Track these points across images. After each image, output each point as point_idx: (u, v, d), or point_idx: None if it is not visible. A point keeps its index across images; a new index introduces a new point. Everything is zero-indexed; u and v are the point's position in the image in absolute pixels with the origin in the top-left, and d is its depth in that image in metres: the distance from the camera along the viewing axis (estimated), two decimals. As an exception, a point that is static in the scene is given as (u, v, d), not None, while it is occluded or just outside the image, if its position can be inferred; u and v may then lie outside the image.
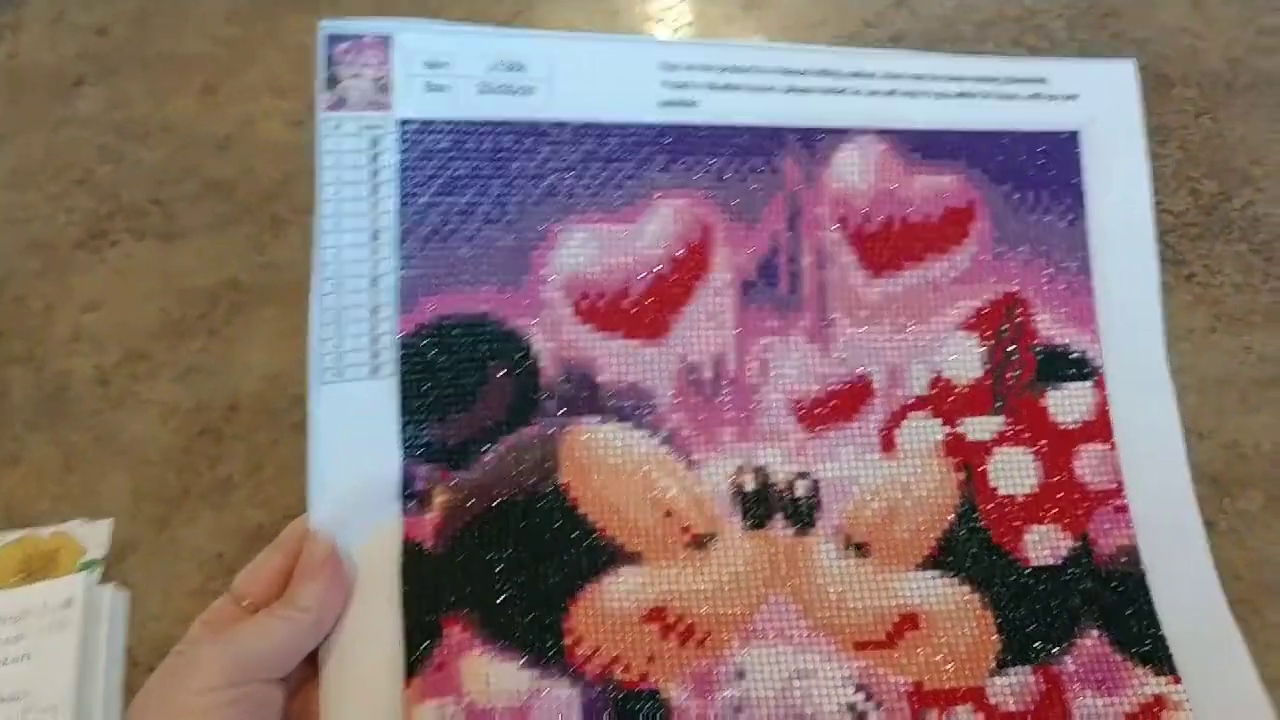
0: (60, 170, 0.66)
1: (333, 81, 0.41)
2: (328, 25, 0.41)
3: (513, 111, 0.44)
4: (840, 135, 0.47)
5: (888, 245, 0.47)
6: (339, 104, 0.41)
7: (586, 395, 0.43)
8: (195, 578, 0.49)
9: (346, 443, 0.40)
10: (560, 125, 0.44)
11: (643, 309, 0.44)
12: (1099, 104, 0.50)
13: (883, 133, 0.47)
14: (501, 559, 0.40)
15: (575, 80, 0.45)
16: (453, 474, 0.41)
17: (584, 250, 0.44)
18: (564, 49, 0.45)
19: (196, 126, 0.68)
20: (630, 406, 0.43)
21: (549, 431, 0.42)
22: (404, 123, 0.42)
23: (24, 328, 0.58)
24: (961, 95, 0.49)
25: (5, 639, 0.46)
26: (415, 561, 0.39)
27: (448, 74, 0.43)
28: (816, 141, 0.47)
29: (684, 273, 0.45)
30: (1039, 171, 0.49)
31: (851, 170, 0.47)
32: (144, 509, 0.51)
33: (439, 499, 0.40)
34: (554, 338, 0.43)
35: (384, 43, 0.42)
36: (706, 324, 0.44)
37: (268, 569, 0.37)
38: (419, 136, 0.42)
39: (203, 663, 0.33)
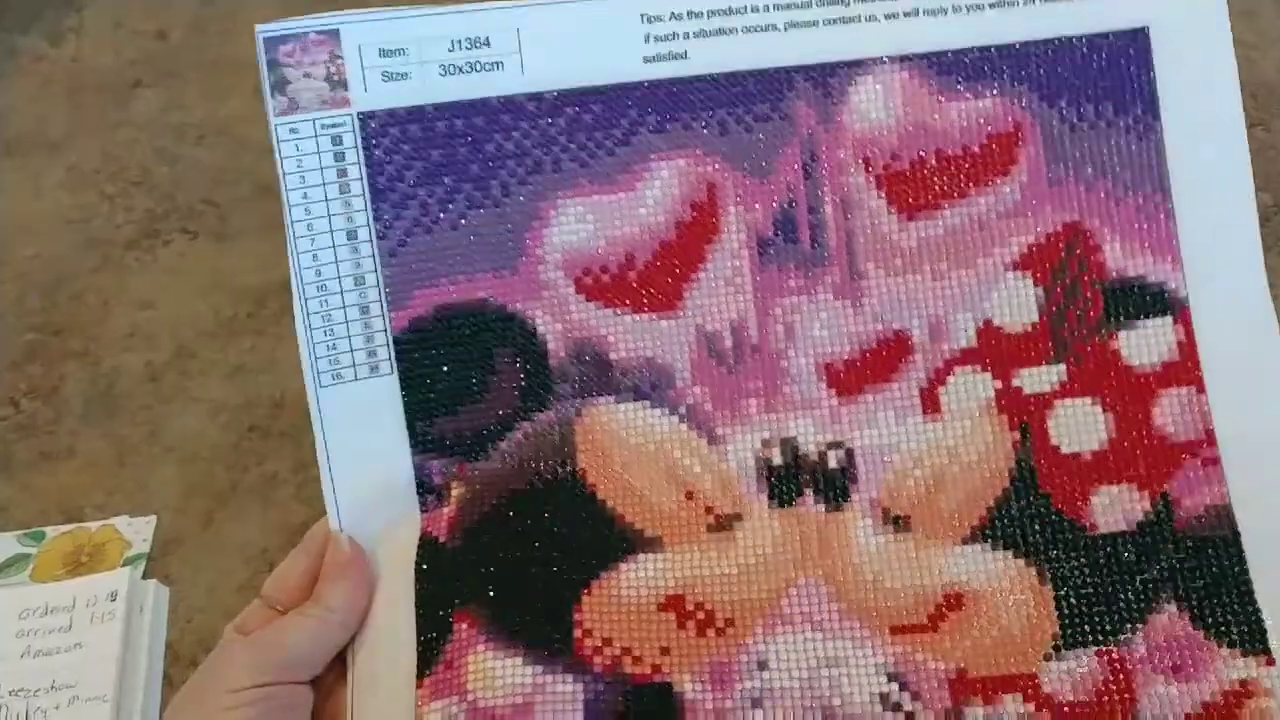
0: (117, 172, 0.67)
1: (280, 85, 0.39)
2: (264, 29, 0.39)
3: (482, 90, 0.40)
4: (856, 68, 0.42)
5: (921, 184, 0.42)
6: (292, 108, 0.39)
7: (599, 375, 0.41)
8: (241, 573, 0.49)
9: (356, 444, 0.39)
10: (536, 97, 0.41)
11: (651, 280, 0.41)
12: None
13: (906, 59, 0.42)
14: (515, 552, 0.39)
15: (546, 47, 0.41)
16: (468, 465, 0.39)
17: (581, 225, 0.41)
18: (530, 16, 0.41)
19: (250, 129, 0.69)
20: (647, 384, 0.41)
21: (564, 416, 0.40)
22: (364, 116, 0.40)
23: (80, 323, 0.59)
24: (996, 5, 0.42)
25: (57, 628, 0.47)
26: (431, 556, 0.38)
27: (405, 60, 0.40)
28: (829, 79, 0.42)
29: (692, 237, 0.41)
30: (1100, 79, 0.42)
31: (873, 105, 0.42)
32: (192, 504, 0.52)
33: (455, 492, 0.39)
34: (560, 319, 0.41)
35: (331, 37, 0.40)
36: (723, 289, 0.41)
37: (295, 572, 0.37)
38: (383, 129, 0.40)
39: (234, 663, 0.34)
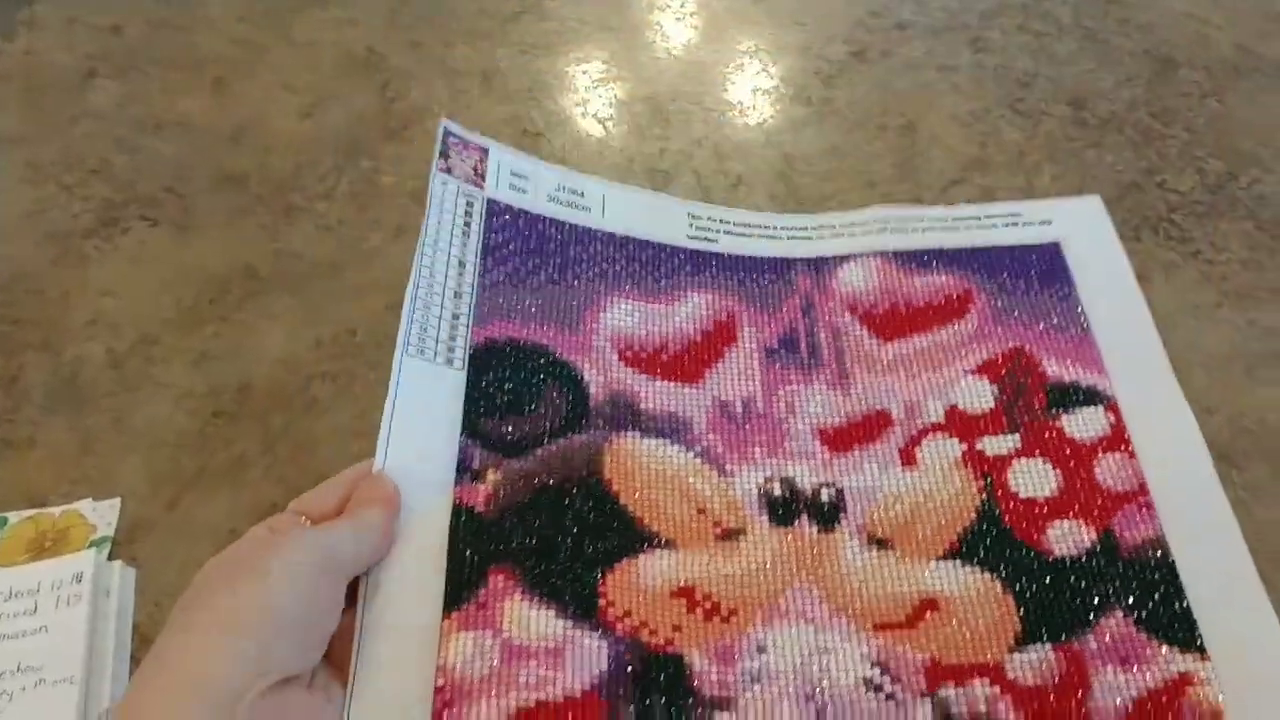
0: (75, 162, 0.67)
1: (445, 153, 0.51)
2: (446, 124, 0.52)
3: (572, 218, 0.53)
4: (842, 259, 0.54)
5: (896, 321, 0.52)
6: (447, 170, 0.51)
7: (630, 417, 0.48)
8: (210, 553, 0.49)
9: (418, 411, 0.44)
10: (609, 235, 0.53)
11: (679, 362, 0.50)
12: (1073, 223, 0.55)
13: (880, 254, 0.54)
14: (545, 529, 0.43)
15: (621, 209, 0.54)
16: (505, 461, 0.45)
17: (628, 318, 0.51)
18: (612, 190, 0.56)
19: (210, 120, 0.69)
20: (669, 428, 0.48)
21: (597, 439, 0.46)
22: (492, 200, 0.52)
23: (41, 316, 0.59)
24: (946, 229, 0.55)
25: (22, 611, 0.46)
26: (465, 521, 0.43)
27: (526, 183, 0.53)
28: (822, 265, 0.54)
29: (714, 341, 0.51)
30: (1028, 268, 0.54)
31: (856, 278, 0.54)
32: (158, 489, 0.51)
33: (490, 477, 0.44)
34: (602, 373, 0.49)
35: (483, 152, 0.53)
36: (737, 376, 0.50)
37: (328, 495, 0.40)
38: (502, 213, 0.52)
39: (302, 541, 0.36)
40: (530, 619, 0.41)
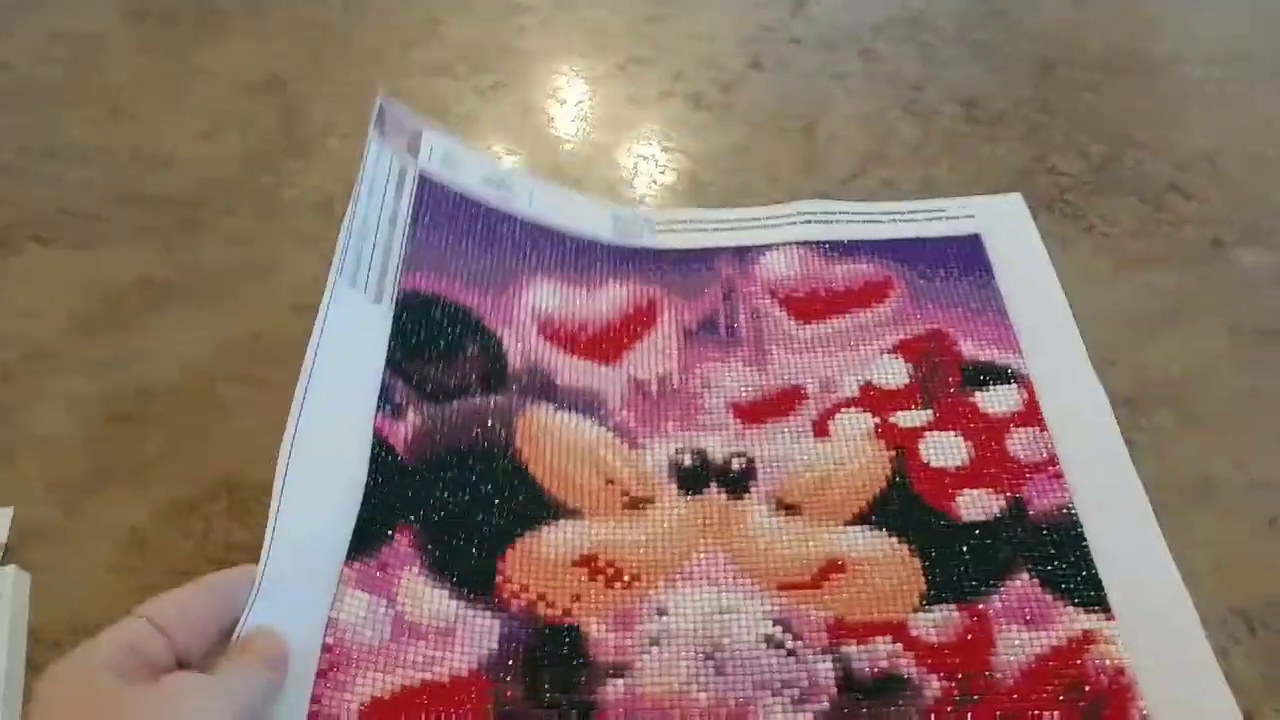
0: (-39, 189, 0.65)
1: (380, 122, 0.51)
2: (383, 100, 0.52)
3: (501, 204, 0.54)
4: (766, 248, 0.55)
5: (815, 304, 0.53)
6: (382, 135, 0.51)
7: (546, 389, 0.48)
8: (110, 554, 0.47)
9: (346, 338, 0.44)
10: (534, 222, 0.55)
11: (598, 343, 0.50)
12: (994, 218, 0.57)
13: (803, 243, 0.56)
14: (457, 492, 0.43)
15: (546, 205, 0.56)
16: (425, 403, 0.45)
17: (550, 298, 0.52)
18: (540, 189, 0.57)
19: (105, 143, 0.68)
20: (584, 403, 0.48)
21: (510, 406, 0.46)
22: (424, 173, 0.53)
23: (-76, 331, 0.56)
24: (870, 222, 0.57)
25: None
26: (385, 460, 0.43)
27: (457, 166, 0.54)
28: (745, 254, 0.55)
29: (633, 325, 0.52)
30: (949, 257, 0.55)
31: (778, 265, 0.54)
32: (53, 494, 0.49)
33: (411, 416, 0.44)
34: (522, 344, 0.49)
35: (416, 134, 0.54)
36: (655, 355, 0.50)
37: (195, 610, 0.35)
38: (434, 186, 0.52)
39: (215, 693, 0.33)
40: (425, 597, 0.40)
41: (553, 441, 0.46)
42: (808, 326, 0.52)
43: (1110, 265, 0.58)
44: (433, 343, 0.47)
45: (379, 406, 0.44)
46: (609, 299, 0.52)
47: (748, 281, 0.54)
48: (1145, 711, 0.38)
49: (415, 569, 0.41)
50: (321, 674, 0.37)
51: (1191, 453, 0.48)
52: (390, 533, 0.41)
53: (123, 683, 0.31)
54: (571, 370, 0.49)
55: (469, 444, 0.45)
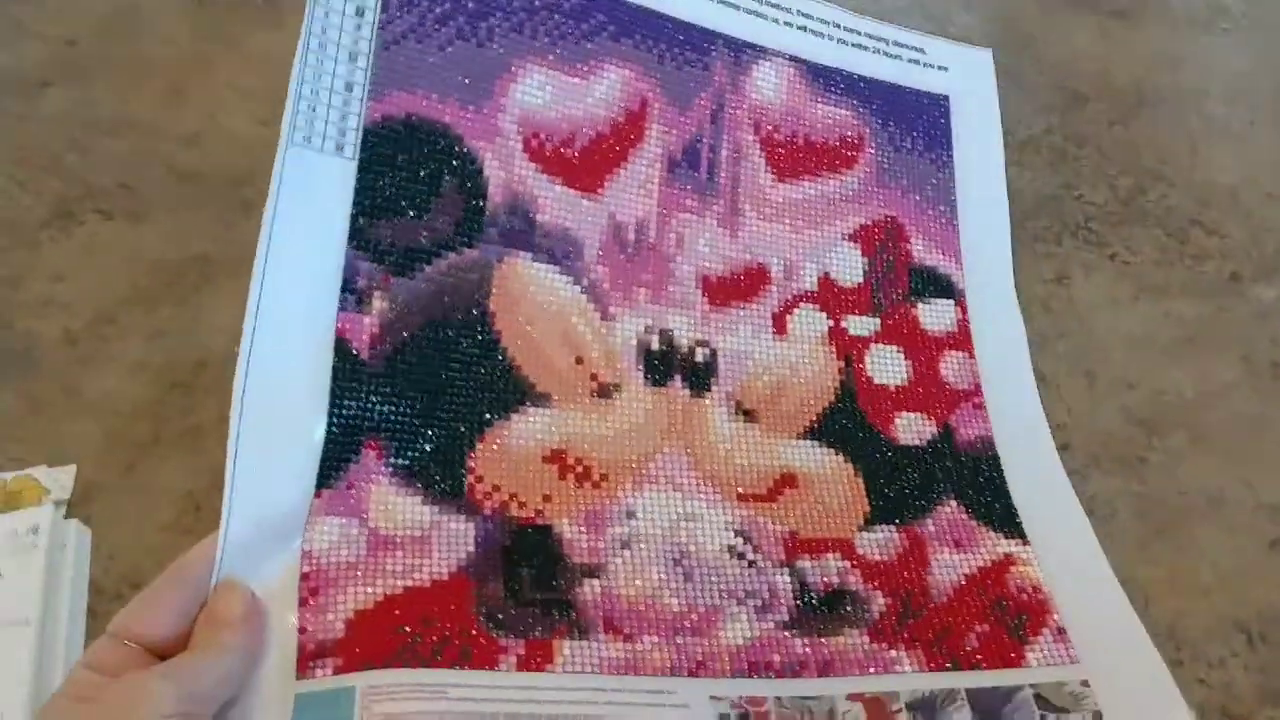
0: (26, 159, 0.67)
1: None
2: None
3: None
4: (760, 52, 0.54)
5: (792, 156, 0.53)
6: None
7: (525, 231, 0.45)
8: (167, 513, 0.49)
9: (300, 217, 0.40)
10: None
11: (583, 161, 0.48)
12: (964, 79, 0.60)
13: (794, 59, 0.55)
14: (425, 389, 0.42)
15: None
16: (393, 279, 0.42)
17: (540, 92, 0.47)
18: None
19: (164, 123, 0.70)
20: (561, 250, 0.46)
21: (487, 259, 0.44)
22: None
23: (-9, 293, 0.58)
24: (857, 45, 0.57)
25: (-23, 563, 0.45)
26: (349, 367, 0.40)
27: None
28: (741, 53, 0.53)
29: (621, 138, 0.49)
30: (919, 120, 0.57)
31: (768, 84, 0.53)
32: (113, 454, 0.51)
33: (377, 304, 0.41)
34: (505, 168, 0.45)
35: None
36: (636, 190, 0.48)
37: (159, 608, 0.34)
38: None
39: (152, 695, 0.31)
40: (397, 507, 0.40)
41: (526, 301, 0.44)
42: (781, 185, 0.52)
43: (1131, 292, 0.60)
44: (404, 187, 0.43)
45: (341, 300, 0.41)
46: (602, 95, 0.48)
47: (737, 99, 0.52)
48: (1060, 623, 0.44)
49: (384, 480, 0.40)
50: (303, 601, 0.37)
51: (1202, 473, 0.51)
52: (356, 450, 0.40)
53: (77, 703, 0.31)
54: (553, 203, 0.46)
55: (440, 316, 0.42)
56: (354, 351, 0.41)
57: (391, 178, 0.43)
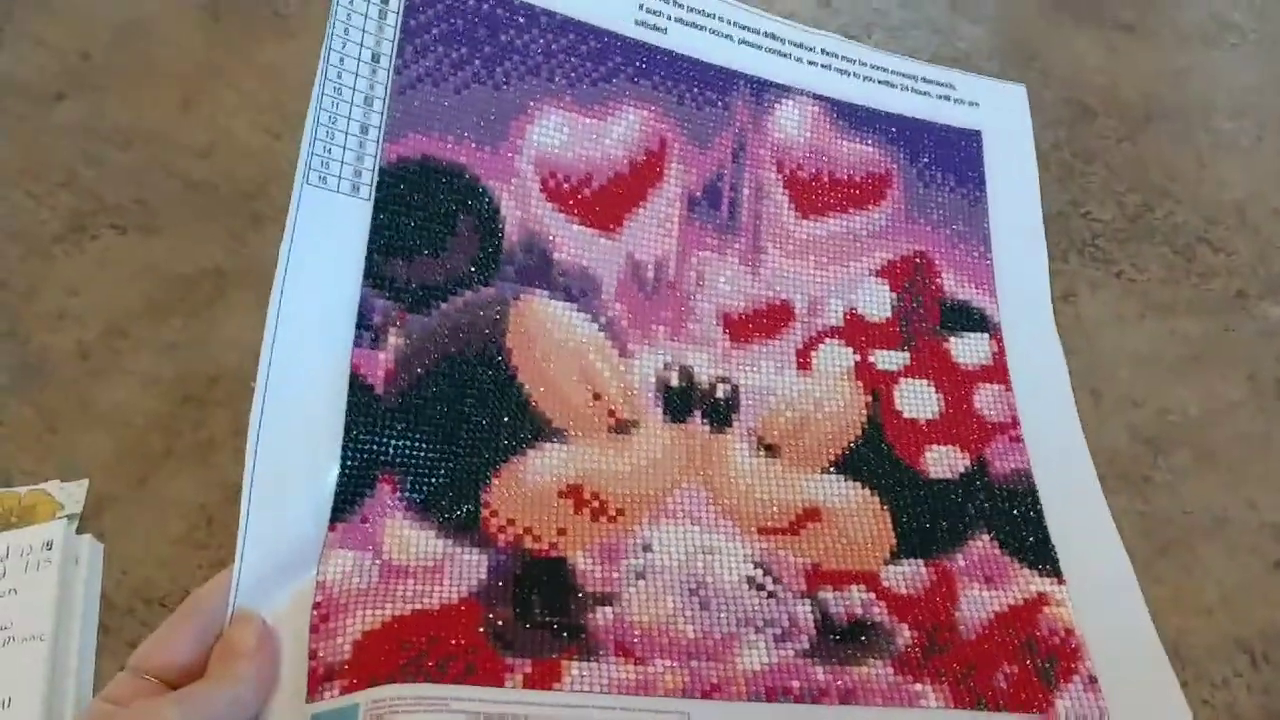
0: (41, 173, 0.68)
1: None
2: None
3: None
4: (783, 90, 0.53)
5: (817, 193, 0.52)
6: None
7: (542, 269, 0.45)
8: (178, 526, 0.49)
9: (317, 254, 0.41)
10: (550, 14, 0.48)
11: (601, 201, 0.47)
12: (996, 114, 0.59)
13: (818, 97, 0.54)
14: (441, 423, 0.42)
15: None
16: (409, 316, 0.42)
17: (557, 133, 0.47)
18: None
19: (177, 135, 0.71)
20: (579, 288, 0.46)
21: (504, 296, 0.44)
22: None
23: (5, 306, 0.59)
24: (884, 83, 0.56)
25: (-9, 576, 0.46)
26: (364, 402, 0.40)
27: None
28: (763, 92, 0.53)
29: (640, 177, 0.49)
30: (948, 158, 0.56)
31: (790, 122, 0.53)
32: (125, 467, 0.52)
33: (392, 340, 0.42)
34: (522, 207, 0.46)
35: None
36: (655, 229, 0.48)
37: (176, 641, 0.34)
38: None
39: (164, 719, 0.31)
40: (410, 540, 0.40)
41: (544, 338, 0.45)
42: (805, 222, 0.52)
43: (1137, 310, 0.60)
44: (419, 227, 0.43)
45: (356, 336, 0.41)
46: (620, 135, 0.49)
47: (759, 138, 0.52)
48: (1091, 671, 0.42)
49: (398, 514, 0.40)
50: (314, 628, 0.37)
51: (1206, 492, 0.51)
52: (371, 485, 0.40)
53: None
54: (570, 241, 0.46)
55: (456, 352, 0.43)
56: (369, 387, 0.41)
57: (407, 217, 0.43)
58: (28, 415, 0.54)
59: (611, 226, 0.47)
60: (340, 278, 0.41)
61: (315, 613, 0.37)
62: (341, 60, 0.43)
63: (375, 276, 0.42)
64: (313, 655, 0.36)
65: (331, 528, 0.38)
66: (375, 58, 0.44)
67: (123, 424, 0.54)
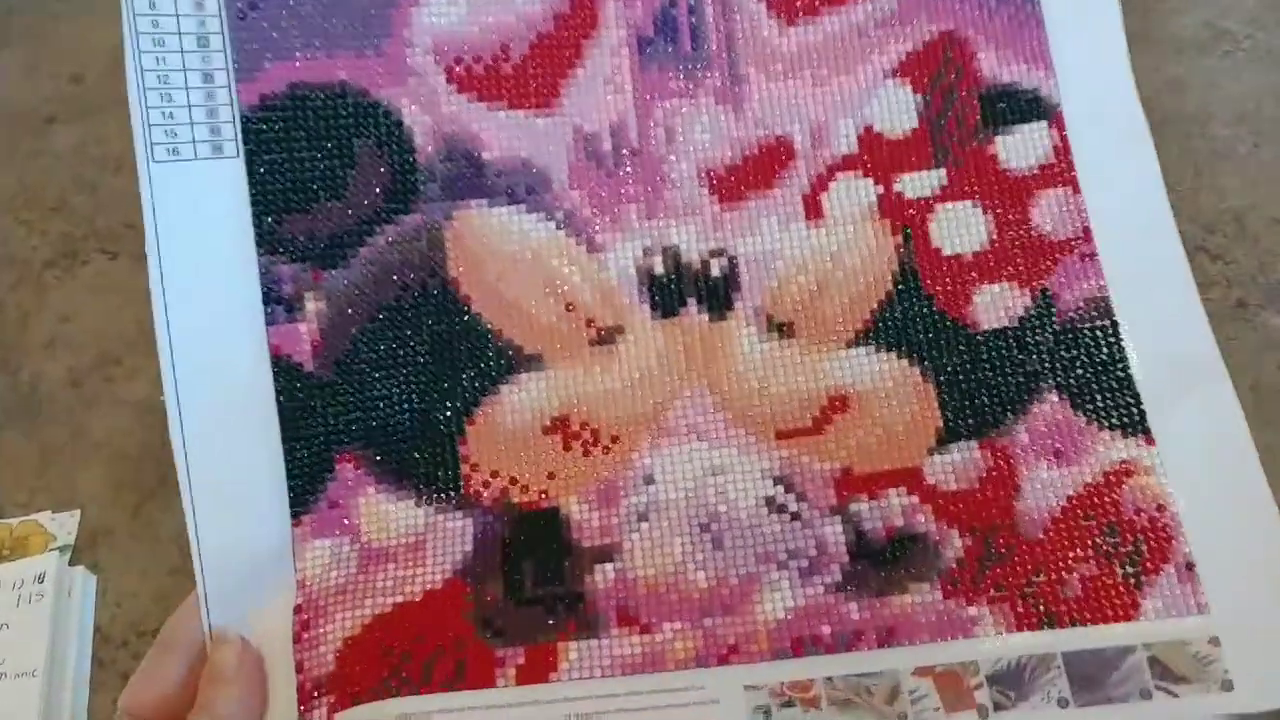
0: (34, 199, 0.67)
1: None
2: None
3: None
4: None
5: None
6: None
7: (472, 175, 0.39)
8: (174, 558, 0.49)
9: (192, 238, 0.35)
10: None
11: (527, 74, 0.39)
12: None
13: None
14: (392, 383, 0.37)
15: None
16: (324, 274, 0.36)
17: (452, 8, 0.39)
18: None
19: (169, 161, 0.71)
20: (522, 186, 0.39)
21: (433, 220, 0.37)
22: None
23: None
24: None
25: (-15, 611, 0.46)
26: (295, 385, 0.36)
27: None
28: None
29: (570, 30, 0.40)
30: None
31: None
32: (120, 498, 0.51)
33: (311, 306, 0.36)
34: (428, 110, 0.38)
35: None
36: (602, 88, 0.40)
37: (163, 676, 0.33)
38: None
39: None
40: (389, 515, 0.36)
41: (493, 257, 0.38)
42: (792, 30, 0.41)
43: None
44: (309, 169, 0.37)
45: (267, 313, 0.36)
46: None
47: None
48: (1188, 556, 0.35)
49: (370, 489, 0.36)
50: (297, 637, 0.34)
51: (1210, 506, 0.50)
52: (329, 468, 0.36)
53: None
54: (500, 133, 0.39)
55: (392, 299, 0.37)
56: (297, 366, 0.36)
57: (290, 163, 0.37)
58: (19, 445, 0.53)
59: (547, 101, 0.40)
60: (229, 254, 0.35)
61: (297, 619, 0.35)
62: (152, 3, 0.35)
63: (270, 241, 0.36)
64: (299, 668, 0.34)
65: (297, 522, 0.35)
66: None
67: (116, 454, 0.53)
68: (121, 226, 0.65)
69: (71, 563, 0.49)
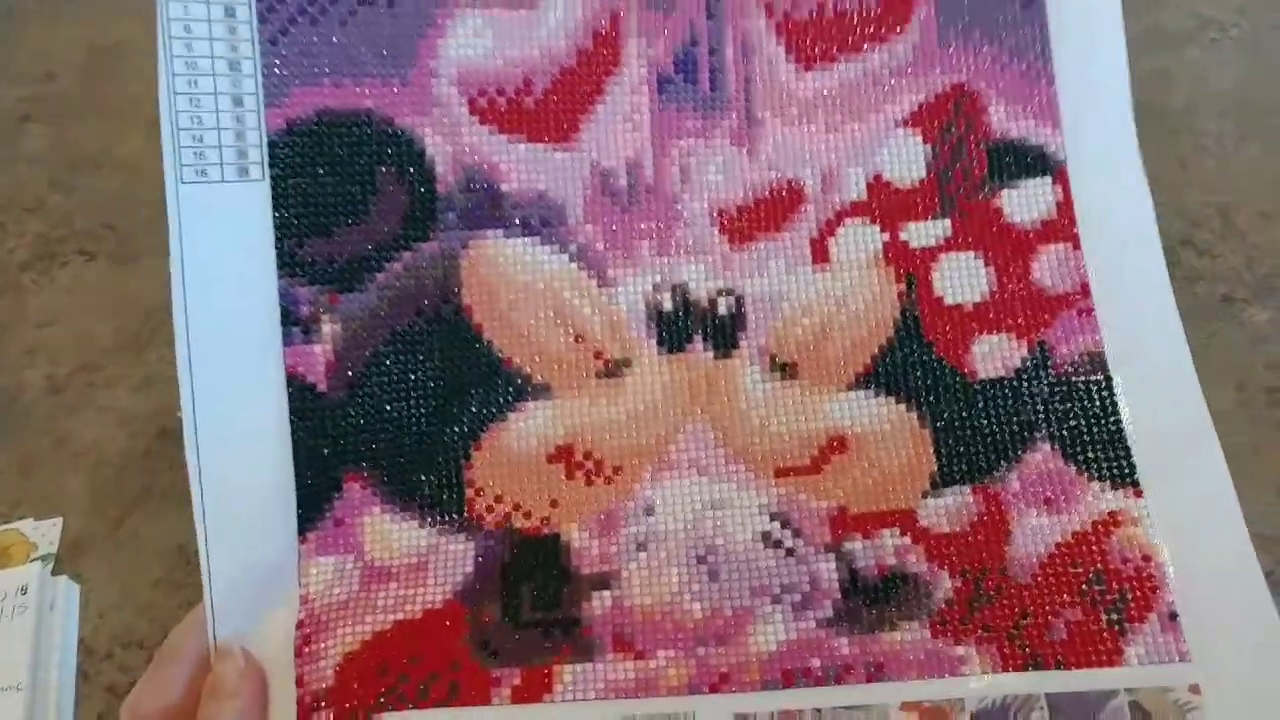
0: (9, 202, 0.66)
1: None
2: None
3: None
4: None
5: (819, 34, 0.42)
6: None
7: (489, 205, 0.39)
8: (157, 569, 0.48)
9: (216, 257, 0.36)
10: None
11: (548, 108, 0.40)
12: None
13: None
14: (402, 406, 0.38)
15: None
16: (341, 297, 0.37)
17: (478, 40, 0.40)
18: None
19: (147, 160, 0.69)
20: (538, 218, 0.40)
21: (449, 248, 0.39)
22: None
23: (-24, 344, 0.58)
24: None
25: (-35, 625, 0.45)
26: (308, 404, 0.37)
27: None
28: None
29: (592, 67, 0.41)
30: None
31: None
32: (102, 507, 0.51)
33: (327, 328, 0.37)
34: (450, 140, 0.39)
35: None
36: (620, 125, 0.41)
37: (168, 684, 0.34)
38: None
39: None
40: (393, 534, 0.37)
41: (506, 286, 0.39)
42: (809, 75, 0.42)
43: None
44: (331, 196, 0.38)
45: (285, 334, 0.37)
46: (558, 21, 0.41)
47: None
48: (1171, 606, 0.36)
49: (376, 509, 0.37)
50: (298, 651, 0.35)
51: (1197, 506, 0.50)
52: (337, 487, 0.37)
53: None
54: (519, 165, 0.40)
55: (406, 324, 0.38)
56: (310, 386, 0.37)
57: (314, 188, 0.38)
58: (3, 459, 0.53)
59: (566, 136, 0.40)
60: (251, 276, 0.36)
61: (299, 634, 0.35)
62: (187, 27, 0.36)
63: (291, 264, 0.37)
64: (300, 681, 0.35)
65: (302, 539, 0.36)
66: (229, 11, 0.37)
67: (98, 461, 0.53)
68: (100, 227, 0.65)
69: (54, 573, 0.48)
